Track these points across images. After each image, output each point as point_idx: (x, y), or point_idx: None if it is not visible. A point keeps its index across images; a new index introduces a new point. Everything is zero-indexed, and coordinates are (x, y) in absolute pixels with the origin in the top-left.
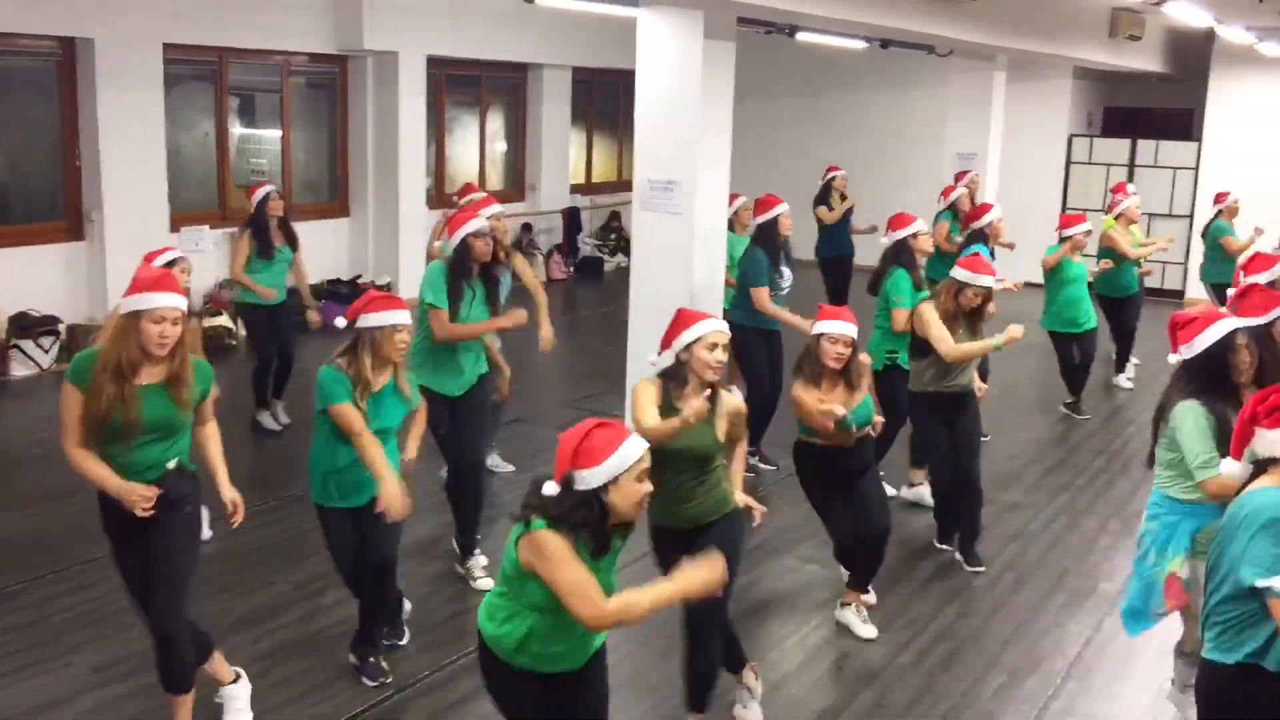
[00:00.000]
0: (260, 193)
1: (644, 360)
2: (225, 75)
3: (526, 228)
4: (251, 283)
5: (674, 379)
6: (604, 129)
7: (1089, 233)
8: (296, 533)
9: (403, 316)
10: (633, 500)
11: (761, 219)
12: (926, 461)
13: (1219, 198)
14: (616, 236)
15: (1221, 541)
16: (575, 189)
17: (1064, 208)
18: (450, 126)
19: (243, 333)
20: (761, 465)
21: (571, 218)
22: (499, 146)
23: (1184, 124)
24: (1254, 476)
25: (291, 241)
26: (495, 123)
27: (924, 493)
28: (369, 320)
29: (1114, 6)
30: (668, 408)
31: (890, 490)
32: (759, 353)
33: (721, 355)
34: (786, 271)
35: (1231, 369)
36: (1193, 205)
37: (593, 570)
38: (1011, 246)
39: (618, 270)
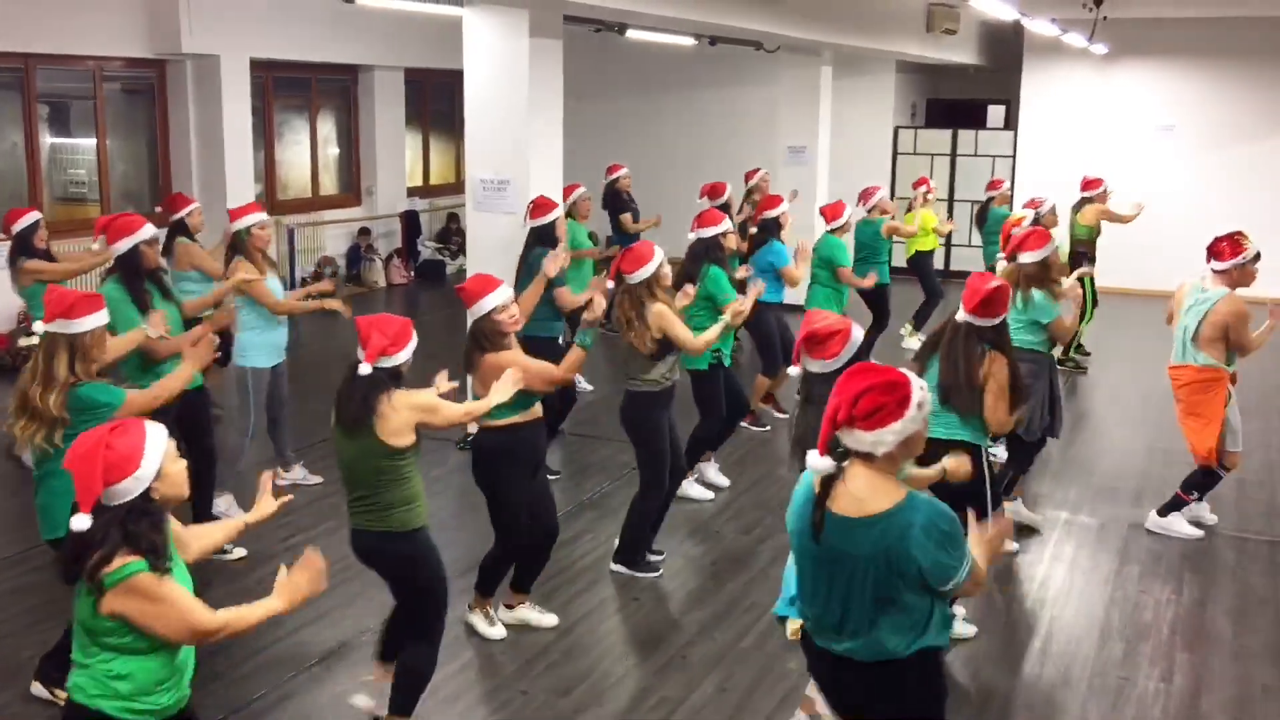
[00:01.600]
0: (25, 221)
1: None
2: (33, 82)
3: (364, 232)
4: None
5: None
6: (440, 130)
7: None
8: None
9: (104, 318)
10: (179, 482)
11: (538, 222)
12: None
13: (993, 184)
14: (457, 239)
15: (866, 540)
16: (413, 192)
17: (892, 198)
18: (279, 131)
19: None
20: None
21: (410, 221)
22: (331, 151)
23: (1001, 113)
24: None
25: None
26: (327, 126)
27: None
28: (83, 324)
29: (929, 2)
30: None
31: (727, 480)
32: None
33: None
34: None
35: None
36: (1011, 192)
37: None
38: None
39: (459, 273)
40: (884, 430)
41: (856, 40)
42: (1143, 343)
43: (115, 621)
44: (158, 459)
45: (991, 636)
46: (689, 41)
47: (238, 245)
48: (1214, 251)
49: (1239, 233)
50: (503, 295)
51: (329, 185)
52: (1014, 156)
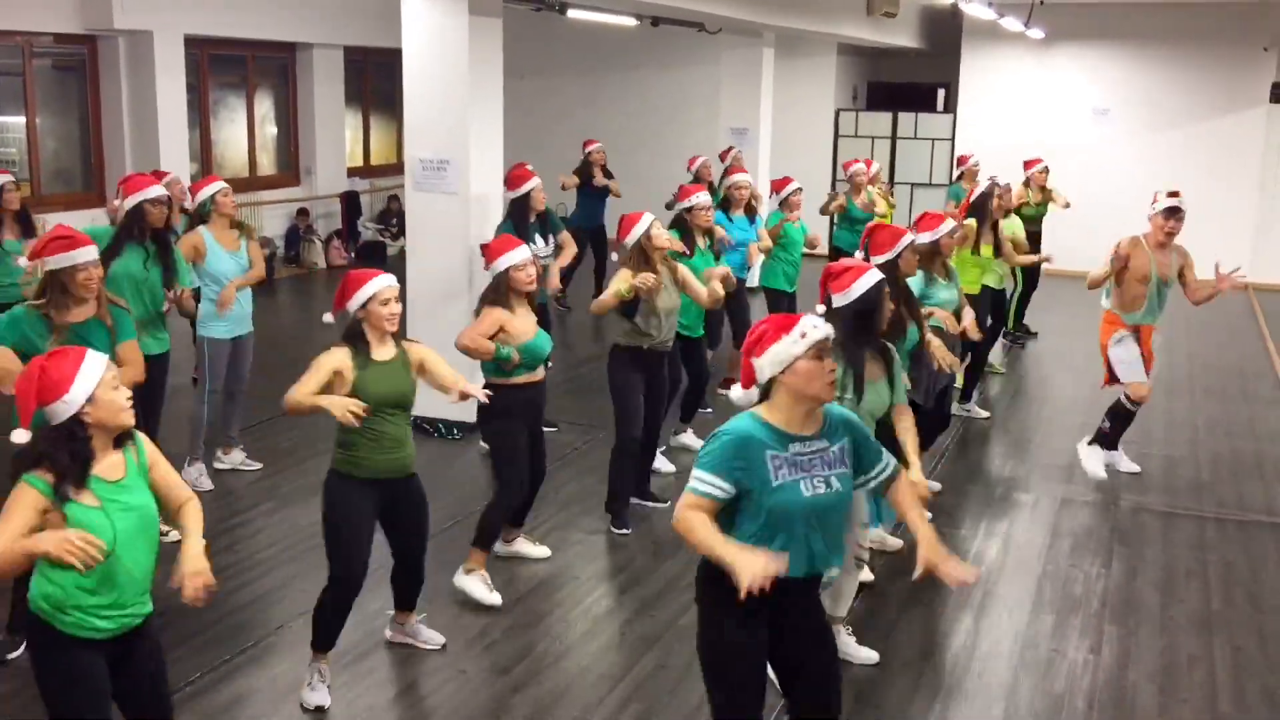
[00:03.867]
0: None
1: (424, 340)
2: None
3: (303, 213)
4: None
5: (358, 338)
6: (381, 110)
7: (799, 190)
8: None
9: (87, 254)
10: (116, 409)
11: (515, 193)
12: (622, 415)
13: (961, 160)
14: (399, 219)
15: None
16: (353, 172)
17: (834, 180)
18: (215, 109)
19: None
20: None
21: (350, 202)
22: (269, 130)
23: (941, 97)
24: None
25: (30, 235)
26: (264, 105)
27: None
28: (52, 262)
29: None
30: (362, 365)
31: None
32: None
33: (396, 308)
34: (540, 241)
35: (879, 316)
36: (950, 175)
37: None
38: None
39: (402, 254)
40: (763, 356)
41: (798, 22)
42: (1077, 321)
43: None
44: (89, 385)
45: (924, 610)
46: (630, 22)
47: (203, 217)
48: None
49: (1173, 190)
50: (521, 254)
51: (267, 165)
52: (953, 139)
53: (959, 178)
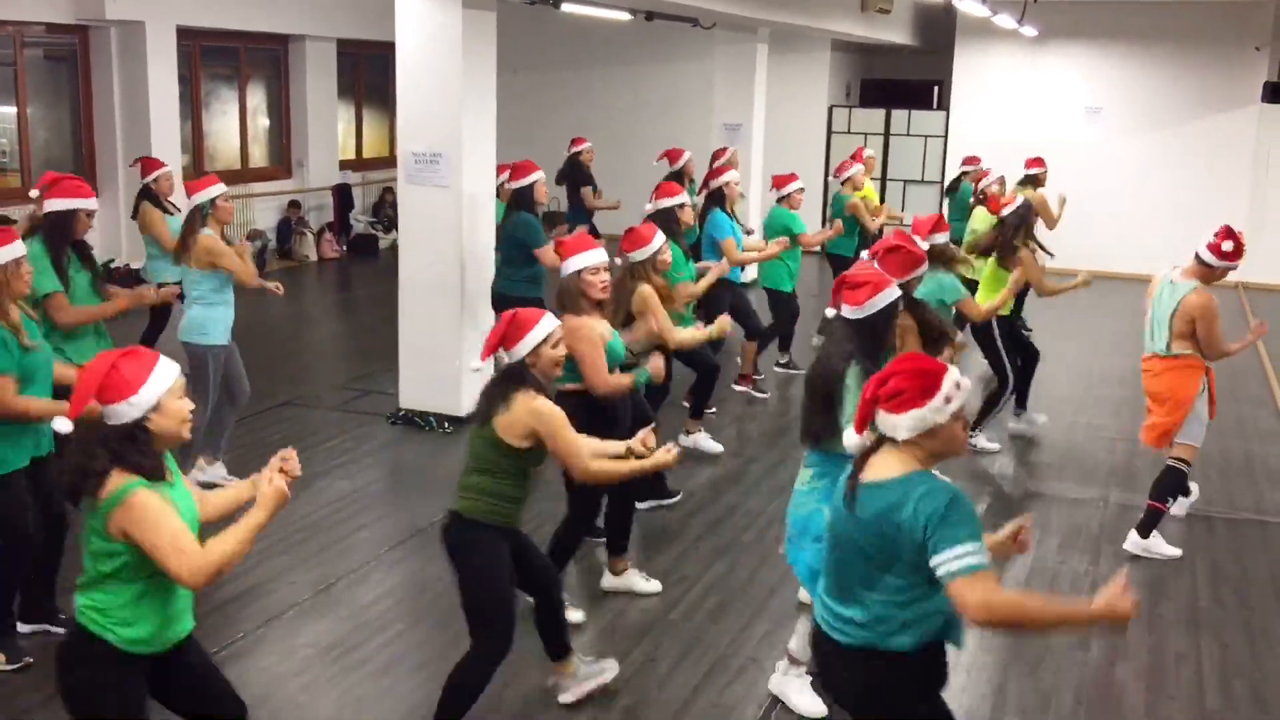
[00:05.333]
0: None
1: (416, 334)
2: None
3: (294, 205)
4: None
5: (525, 380)
6: (373, 103)
7: (802, 190)
8: None
9: (21, 248)
10: (179, 419)
11: (519, 184)
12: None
13: (967, 160)
14: (392, 212)
15: (870, 502)
16: (345, 165)
17: (826, 176)
18: (207, 101)
19: None
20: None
21: (342, 195)
22: (261, 122)
23: (933, 94)
24: (874, 448)
25: None
26: (256, 97)
27: (701, 440)
28: (3, 254)
29: None
30: None
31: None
32: None
33: (564, 350)
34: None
35: (891, 335)
36: (943, 171)
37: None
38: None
39: (394, 247)
40: (901, 416)
41: (792, 18)
42: (1072, 320)
43: (120, 543)
44: (158, 392)
45: None
46: (625, 16)
47: (201, 220)
48: (1214, 243)
49: (1240, 246)
50: (596, 257)
51: (259, 157)
52: (945, 136)
53: (963, 175)
